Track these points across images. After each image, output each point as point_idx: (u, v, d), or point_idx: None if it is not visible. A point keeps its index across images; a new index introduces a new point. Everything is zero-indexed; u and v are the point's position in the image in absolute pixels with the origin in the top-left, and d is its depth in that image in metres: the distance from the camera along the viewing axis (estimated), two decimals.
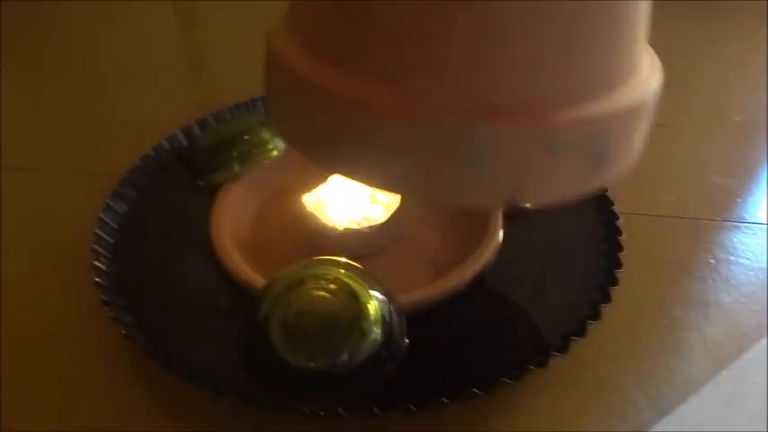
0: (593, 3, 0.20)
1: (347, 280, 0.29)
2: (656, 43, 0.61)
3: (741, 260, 0.38)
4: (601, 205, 0.38)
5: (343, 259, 0.30)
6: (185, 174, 0.40)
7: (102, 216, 0.36)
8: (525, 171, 0.22)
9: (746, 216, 0.42)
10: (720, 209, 0.42)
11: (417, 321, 0.30)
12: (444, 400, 0.27)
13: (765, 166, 0.47)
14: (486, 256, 0.34)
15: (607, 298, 0.31)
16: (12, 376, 0.31)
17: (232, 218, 0.36)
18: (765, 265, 0.38)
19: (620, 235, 0.35)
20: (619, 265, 0.33)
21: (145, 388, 0.30)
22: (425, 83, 0.20)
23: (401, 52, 0.20)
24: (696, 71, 0.59)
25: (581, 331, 0.30)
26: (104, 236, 0.35)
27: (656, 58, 0.26)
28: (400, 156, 0.21)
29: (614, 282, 0.32)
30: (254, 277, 0.32)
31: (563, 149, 0.21)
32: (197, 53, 0.64)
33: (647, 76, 0.25)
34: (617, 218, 0.36)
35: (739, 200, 0.43)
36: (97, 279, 0.32)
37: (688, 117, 0.52)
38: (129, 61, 0.58)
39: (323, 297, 0.29)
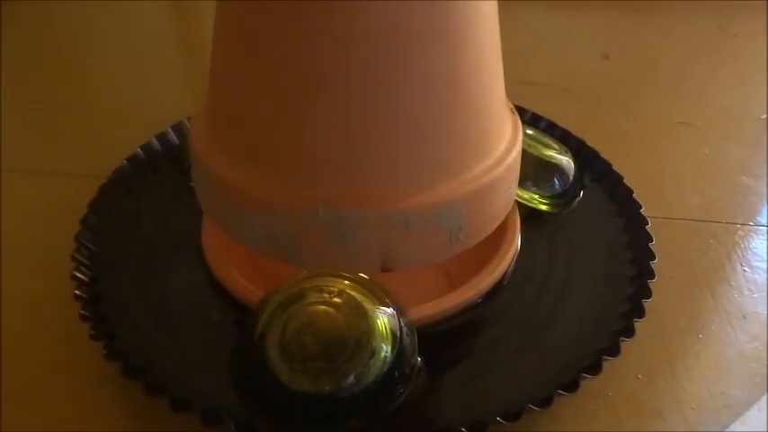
0: (436, 113, 0.25)
1: (353, 293, 0.26)
2: (676, 40, 0.59)
3: None
4: (626, 208, 0.35)
5: None
6: (176, 175, 0.37)
7: (83, 222, 0.33)
8: (389, 244, 0.26)
9: None
10: (752, 212, 0.39)
11: (429, 338, 0.27)
12: (463, 431, 0.24)
13: None
14: (504, 264, 0.31)
15: (641, 312, 0.28)
16: None
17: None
18: None
19: (651, 242, 0.32)
20: (651, 275, 0.30)
21: (126, 415, 0.27)
22: (304, 180, 0.26)
23: (284, 155, 0.26)
24: (717, 68, 0.56)
25: (614, 349, 0.27)
26: (87, 243, 0.32)
27: (518, 120, 0.30)
28: (289, 237, 0.26)
29: (647, 293, 0.29)
30: (249, 290, 0.29)
31: (419, 226, 0.26)
32: (188, 49, 0.61)
33: (504, 150, 0.28)
34: (646, 222, 0.33)
35: None
36: (77, 291, 0.29)
37: (710, 115, 0.49)
38: (117, 58, 0.55)
39: (326, 312, 0.26)
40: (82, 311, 0.28)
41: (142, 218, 0.35)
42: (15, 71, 0.53)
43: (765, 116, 0.49)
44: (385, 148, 0.25)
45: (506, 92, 0.30)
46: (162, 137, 0.39)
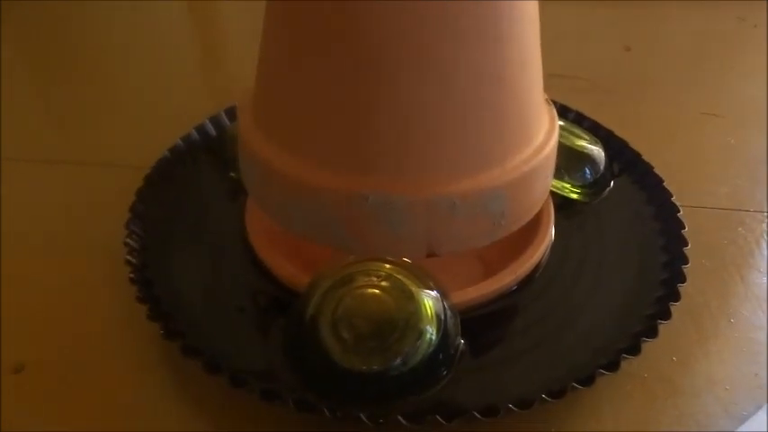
0: (482, 104, 0.26)
1: (400, 276, 0.27)
2: (698, 31, 0.60)
3: None
4: (657, 197, 0.36)
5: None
6: (216, 164, 0.38)
7: (132, 210, 0.34)
8: (436, 229, 0.27)
9: None
10: None
11: (469, 322, 0.29)
12: (512, 407, 0.25)
13: None
14: (540, 251, 0.32)
15: (676, 296, 0.29)
16: (40, 375, 0.29)
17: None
18: None
19: (683, 228, 0.33)
20: (685, 260, 0.31)
21: (184, 391, 0.28)
22: (354, 167, 0.27)
23: (334, 143, 0.27)
24: (739, 58, 0.56)
25: (652, 331, 0.28)
26: (136, 230, 0.33)
27: (554, 111, 0.32)
28: (338, 223, 0.27)
29: (682, 278, 0.30)
30: (294, 274, 0.30)
31: (464, 211, 0.27)
32: (223, 41, 0.62)
33: (543, 140, 0.30)
34: (677, 210, 0.34)
35: None
36: (131, 275, 0.30)
37: (733, 105, 0.50)
38: (153, 52, 0.57)
39: (375, 295, 0.27)
40: (138, 294, 0.29)
41: (186, 205, 0.36)
42: (55, 70, 0.55)
43: None
44: (433, 137, 0.26)
45: None
46: (201, 128, 0.40)
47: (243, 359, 0.27)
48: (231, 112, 0.41)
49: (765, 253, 0.36)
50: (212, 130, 0.41)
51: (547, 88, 0.40)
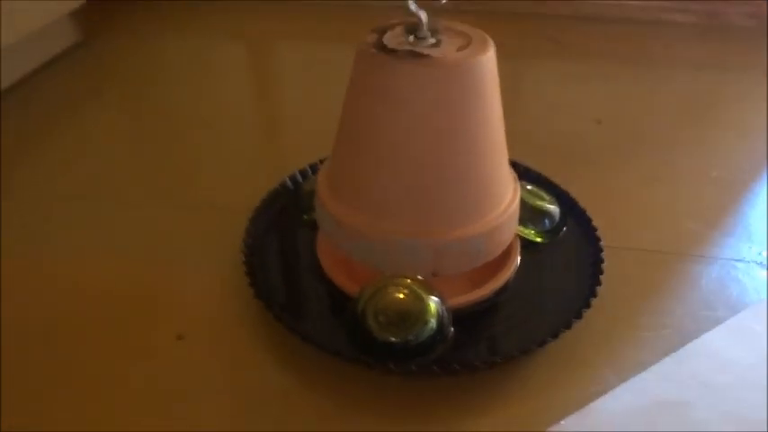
0: (470, 187, 0.45)
1: (415, 287, 0.45)
2: (662, 106, 0.77)
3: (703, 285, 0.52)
4: (591, 239, 0.53)
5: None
6: (295, 210, 0.56)
7: (244, 241, 0.52)
8: (439, 259, 0.45)
9: (712, 252, 0.56)
10: (690, 247, 0.57)
11: (459, 317, 0.46)
12: (499, 359, 0.42)
13: (731, 213, 0.61)
14: (509, 272, 0.50)
15: (595, 294, 0.47)
16: (194, 343, 0.47)
17: (331, 244, 0.52)
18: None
19: (603, 262, 0.50)
20: (602, 272, 0.49)
21: (283, 352, 0.46)
22: (392, 221, 0.44)
23: (380, 207, 0.45)
24: (680, 130, 0.73)
25: (579, 315, 0.46)
26: (248, 252, 0.51)
27: (517, 182, 0.49)
28: (380, 254, 0.45)
29: (599, 283, 0.48)
30: (349, 284, 0.48)
31: (457, 249, 0.44)
32: (293, 111, 0.81)
33: (508, 202, 0.47)
34: (601, 250, 0.51)
35: (706, 239, 0.57)
36: (249, 281, 0.48)
37: (672, 170, 0.66)
38: (243, 119, 0.76)
39: (400, 298, 0.44)
40: (255, 293, 0.47)
41: (276, 239, 0.54)
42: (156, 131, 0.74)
43: (716, 173, 0.66)
44: (440, 205, 0.44)
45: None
46: (283, 184, 0.59)
47: (320, 335, 0.45)
48: (303, 172, 0.60)
49: (668, 276, 0.53)
50: (290, 185, 0.59)
51: (530, 156, 0.58)
